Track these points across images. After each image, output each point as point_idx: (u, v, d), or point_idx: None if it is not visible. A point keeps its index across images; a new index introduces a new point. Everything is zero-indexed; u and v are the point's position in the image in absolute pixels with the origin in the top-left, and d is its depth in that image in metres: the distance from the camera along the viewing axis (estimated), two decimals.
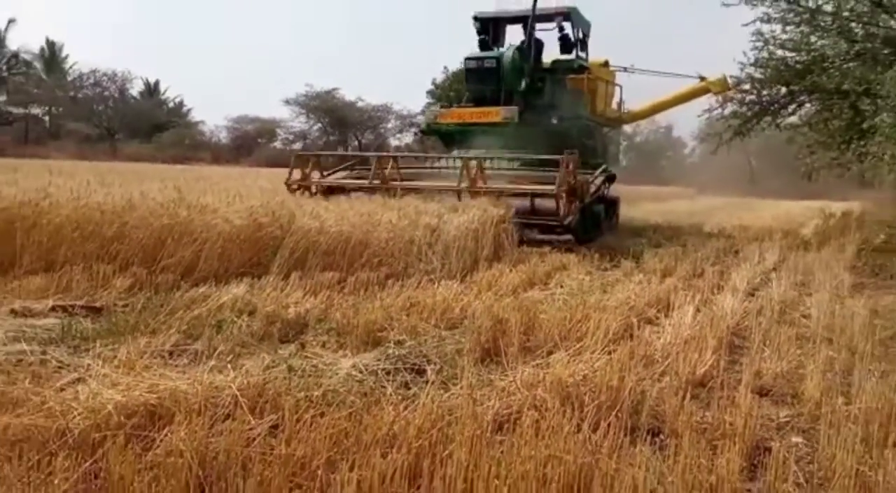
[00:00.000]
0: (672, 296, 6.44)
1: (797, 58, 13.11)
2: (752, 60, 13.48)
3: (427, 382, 3.96)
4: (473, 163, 10.22)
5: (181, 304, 5.34)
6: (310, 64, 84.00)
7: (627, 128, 61.01)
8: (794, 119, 14.37)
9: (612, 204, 12.51)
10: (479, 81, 12.47)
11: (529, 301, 6.00)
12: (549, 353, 4.49)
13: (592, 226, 10.64)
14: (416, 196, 9.63)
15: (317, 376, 3.99)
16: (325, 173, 12.04)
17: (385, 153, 12.84)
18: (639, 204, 23.14)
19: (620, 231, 13.31)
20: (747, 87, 13.89)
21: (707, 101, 14.86)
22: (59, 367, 3.94)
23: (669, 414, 3.61)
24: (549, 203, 9.66)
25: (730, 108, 14.25)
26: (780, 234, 13.07)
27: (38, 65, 47.70)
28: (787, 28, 12.94)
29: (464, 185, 9.82)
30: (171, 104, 52.49)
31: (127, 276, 6.08)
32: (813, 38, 12.93)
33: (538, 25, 12.85)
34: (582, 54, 13.46)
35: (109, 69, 48.19)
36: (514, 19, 13.16)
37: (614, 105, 14.69)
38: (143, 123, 45.80)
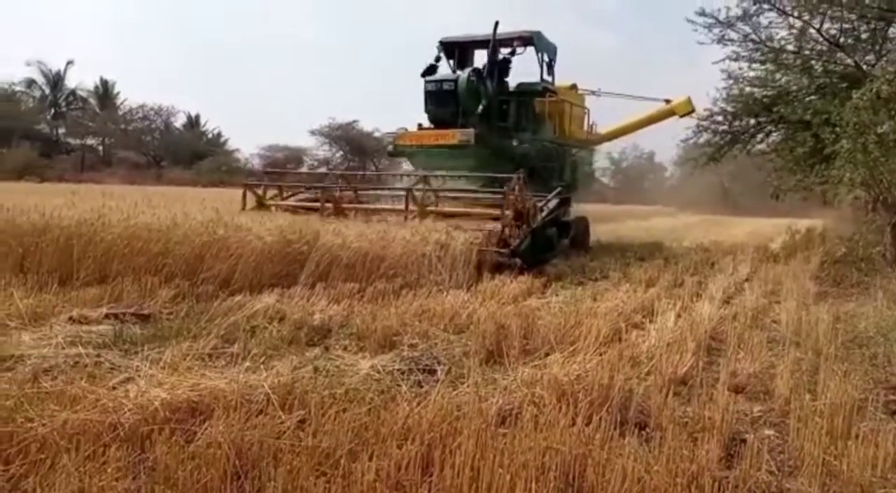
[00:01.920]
0: (656, 303, 6.42)
1: (764, 92, 13.13)
2: (723, 95, 13.54)
3: (437, 381, 3.95)
4: (420, 185, 9.50)
5: (219, 311, 5.35)
6: (333, 100, 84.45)
7: (615, 153, 61.39)
8: (762, 146, 14.32)
9: (565, 227, 10.97)
10: (437, 104, 11.39)
11: (528, 308, 5.99)
12: (547, 355, 4.48)
13: (544, 250, 9.36)
14: (363, 217, 8.95)
15: (339, 376, 3.99)
16: (284, 195, 10.76)
17: (345, 172, 12.15)
18: (625, 222, 23.12)
19: (608, 246, 13.27)
20: (720, 118, 13.90)
21: (685, 131, 14.68)
22: (112, 368, 3.95)
23: (654, 409, 3.59)
24: (497, 226, 8.60)
25: (704, 136, 14.24)
26: (752, 248, 13.00)
27: (93, 101, 48.09)
28: (754, 65, 13.00)
29: (411, 208, 8.97)
30: (209, 135, 52.71)
31: (171, 287, 6.09)
32: (778, 75, 12.97)
33: (503, 50, 11.89)
34: (548, 78, 12.55)
35: (156, 104, 48.55)
36: (480, 44, 11.97)
37: (583, 127, 13.71)
38: (185, 152, 46.03)
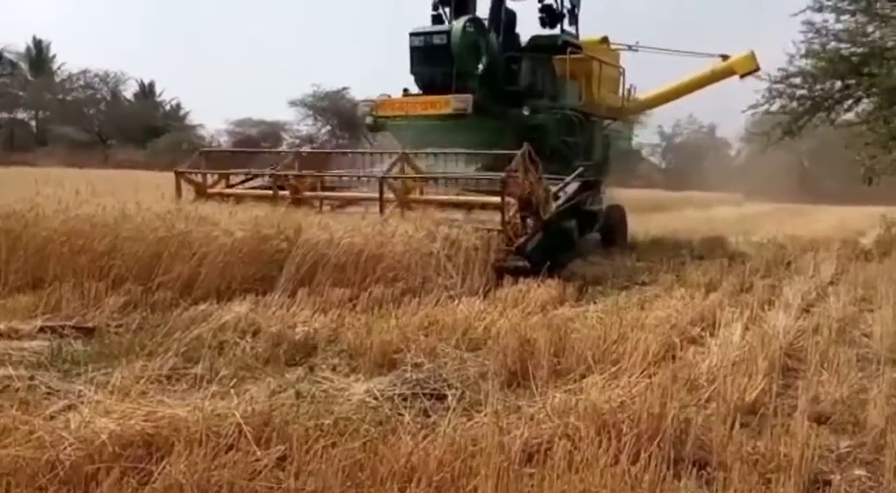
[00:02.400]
0: (718, 313, 6.40)
1: (853, 50, 12.99)
2: (802, 51, 13.38)
3: (448, 409, 3.95)
4: (398, 168, 9.07)
5: (179, 324, 5.38)
6: (318, 63, 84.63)
7: (666, 126, 61.40)
8: (850, 116, 14.20)
9: (590, 218, 10.61)
10: (425, 63, 10.94)
11: (560, 319, 5.99)
12: (583, 376, 4.47)
13: (560, 248, 8.85)
14: (330, 209, 8.85)
15: (327, 403, 4.00)
16: (230, 182, 10.36)
17: (308, 150, 11.83)
18: (679, 211, 23.08)
19: (658, 241, 13.24)
20: (798, 80, 13.73)
21: (753, 97, 14.55)
22: (49, 393, 3.98)
23: (717, 444, 3.58)
24: (497, 217, 8.28)
25: (778, 103, 14.07)
26: (838, 244, 12.95)
27: (23, 65, 48.42)
28: (842, 17, 12.87)
29: (389, 197, 8.63)
30: (167, 107, 53.04)
31: (121, 293, 6.13)
32: (870, 29, 12.85)
33: None
34: (570, 29, 12.20)
35: (101, 70, 48.77)
36: None
37: (617, 92, 13.27)
38: (136, 128, 46.28)
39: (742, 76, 13.82)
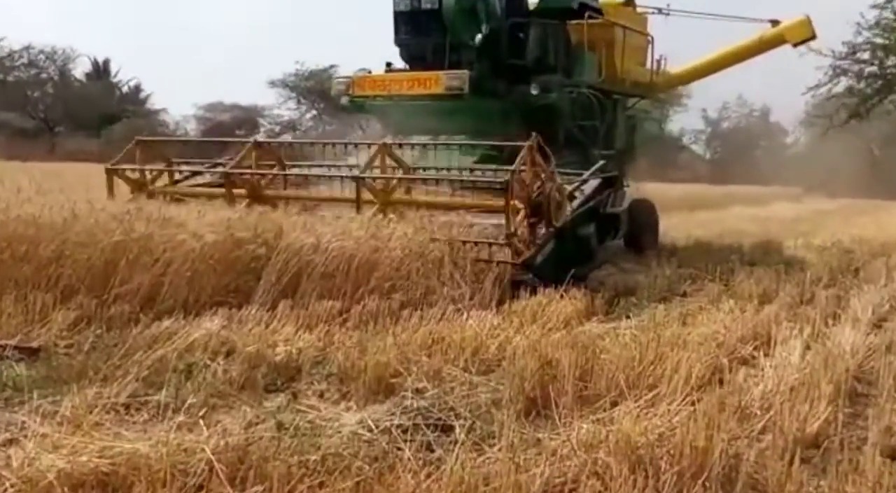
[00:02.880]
0: (773, 328, 6.38)
1: None
2: (871, 22, 13.40)
3: (455, 442, 3.95)
4: (378, 163, 8.79)
5: (140, 343, 5.38)
6: (302, 37, 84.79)
7: (711, 109, 61.31)
8: None
9: (612, 221, 10.40)
10: (413, 32, 10.63)
11: (587, 337, 5.98)
12: (614, 404, 4.47)
13: (578, 258, 8.64)
14: (297, 211, 8.43)
15: (314, 436, 4.00)
16: (176, 178, 10.12)
17: (266, 140, 11.13)
18: (727, 208, 23.05)
19: (703, 244, 13.21)
20: (866, 56, 13.79)
21: (814, 75, 14.55)
22: None
23: (773, 484, 3.57)
24: (490, 223, 8.13)
25: (843, 83, 14.13)
26: None
27: None
28: None
29: (368, 197, 8.33)
30: (124, 89, 53.12)
31: (71, 307, 6.13)
32: None
33: None
34: None
35: (47, 45, 48.83)
36: None
37: (645, 64, 13.05)
38: (89, 113, 46.35)
39: (795, 45, 13.89)
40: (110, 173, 9.64)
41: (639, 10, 13.13)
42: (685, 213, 20.18)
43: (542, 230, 8.18)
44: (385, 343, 5.48)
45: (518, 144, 8.18)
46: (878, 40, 13.56)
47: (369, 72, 11.18)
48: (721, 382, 5.00)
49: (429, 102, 10.36)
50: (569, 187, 8.75)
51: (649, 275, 9.37)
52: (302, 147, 11.23)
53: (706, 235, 14.57)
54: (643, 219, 12.20)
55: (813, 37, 13.87)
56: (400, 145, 9.27)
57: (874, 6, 13.23)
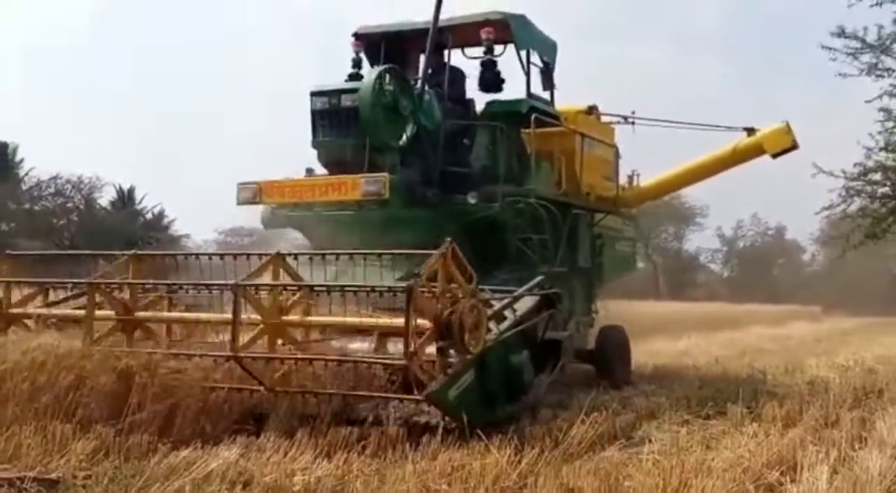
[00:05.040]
0: (799, 453, 6.27)
1: None
2: (881, 144, 13.51)
3: None
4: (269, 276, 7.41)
5: (158, 474, 5.33)
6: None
7: (726, 227, 61.77)
8: None
9: (552, 349, 8.29)
10: (332, 133, 9.57)
11: (609, 463, 5.90)
12: None
13: (506, 393, 7.39)
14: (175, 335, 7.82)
15: None
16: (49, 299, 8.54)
17: (149, 253, 9.85)
18: (747, 328, 22.94)
19: (724, 363, 13.07)
20: (878, 177, 13.85)
21: (828, 196, 14.46)
22: None
23: None
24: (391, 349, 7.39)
25: (857, 203, 14.14)
26: None
27: None
28: None
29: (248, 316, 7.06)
30: (148, 215, 53.84)
31: (90, 438, 6.09)
32: None
33: (464, 50, 10.91)
34: (543, 95, 11.10)
35: (73, 175, 49.59)
36: (425, 35, 9.86)
37: (612, 177, 12.29)
38: (113, 239, 46.70)
39: (775, 156, 12.75)
40: None
41: (603, 119, 12.43)
42: (705, 332, 20.09)
43: (455, 357, 6.76)
44: (404, 471, 5.41)
45: (426, 252, 7.03)
46: (890, 161, 13.65)
47: (280, 179, 9.88)
48: None
49: (352, 213, 9.56)
50: (496, 305, 7.60)
51: (671, 397, 9.26)
52: (209, 260, 8.12)
53: (727, 354, 14.46)
54: (613, 346, 11.21)
55: (793, 147, 12.69)
56: (296, 256, 7.96)
57: (881, 132, 13.33)
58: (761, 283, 50.73)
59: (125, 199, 53.69)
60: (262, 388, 6.92)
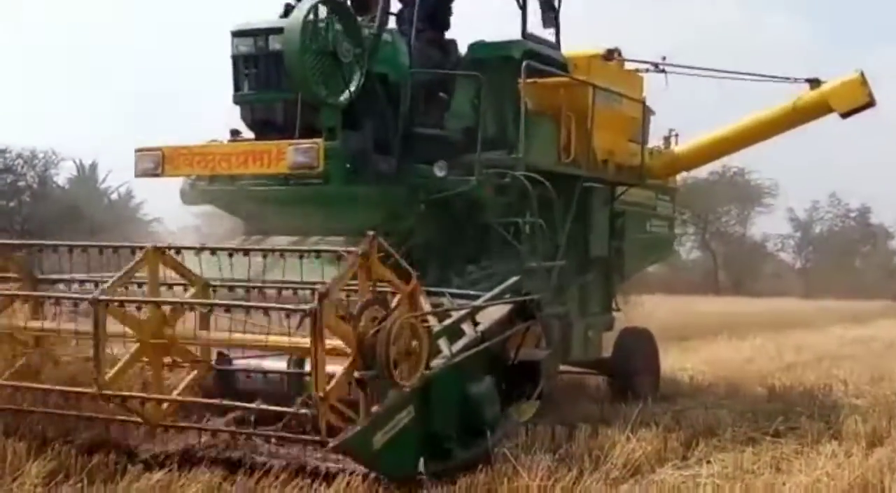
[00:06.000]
0: (887, 477, 6.27)
1: None
2: None
3: None
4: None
5: None
6: None
7: (800, 209, 61.41)
8: None
9: (528, 373, 7.45)
10: (259, 84, 8.86)
11: (659, 489, 5.93)
12: None
13: (461, 435, 6.60)
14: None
15: None
16: None
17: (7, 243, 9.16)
18: (825, 329, 22.84)
19: (796, 371, 13.02)
20: None
21: None
22: None
23: None
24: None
25: None
26: None
27: None
28: None
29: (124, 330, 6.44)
30: (114, 195, 53.82)
31: (47, 458, 6.12)
32: None
33: None
34: (546, 34, 10.46)
35: (26, 149, 49.46)
36: None
37: (638, 139, 11.49)
38: (74, 225, 46.96)
39: (845, 115, 11.89)
40: None
41: (626, 63, 11.60)
42: (772, 333, 20.01)
43: (377, 391, 5.91)
44: None
45: (342, 251, 6.41)
46: None
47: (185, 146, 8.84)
48: None
49: (283, 189, 8.91)
50: (450, 319, 6.83)
51: (733, 411, 9.24)
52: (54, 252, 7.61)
53: (801, 360, 14.43)
54: (636, 356, 10.73)
55: (869, 104, 11.80)
56: (178, 250, 7.04)
57: None
58: (841, 275, 50.42)
59: (84, 174, 53.48)
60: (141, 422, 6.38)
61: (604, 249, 10.74)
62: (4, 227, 47.25)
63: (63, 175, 52.52)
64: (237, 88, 8.91)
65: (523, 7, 10.13)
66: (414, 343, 5.96)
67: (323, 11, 8.24)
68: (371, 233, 6.11)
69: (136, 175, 8.92)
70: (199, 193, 9.45)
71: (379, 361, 5.65)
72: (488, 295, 7.26)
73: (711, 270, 54.70)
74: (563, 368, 9.84)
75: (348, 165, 8.52)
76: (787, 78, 11.92)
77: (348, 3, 8.83)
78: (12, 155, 48.60)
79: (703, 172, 46.59)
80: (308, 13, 8.04)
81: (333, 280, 5.88)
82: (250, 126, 9.12)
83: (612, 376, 10.52)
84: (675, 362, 13.24)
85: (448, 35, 10.10)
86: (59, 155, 51.35)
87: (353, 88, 8.40)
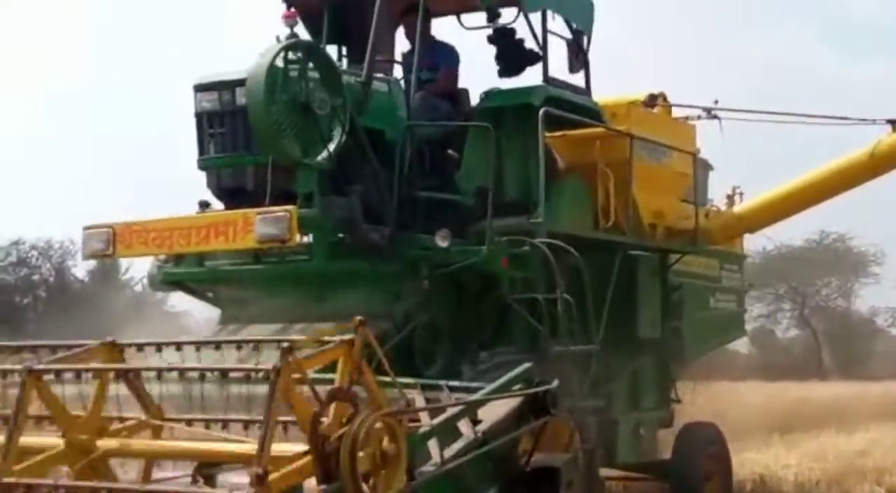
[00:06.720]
0: None
1: None
2: None
3: None
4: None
5: None
6: None
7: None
8: None
9: (545, 480, 6.36)
10: (225, 145, 8.49)
11: None
12: None
13: None
14: None
15: None
16: None
17: None
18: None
19: None
20: None
21: None
22: None
23: None
24: None
25: None
26: None
27: None
28: None
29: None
30: (136, 287, 53.95)
31: None
32: None
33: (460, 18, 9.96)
34: (574, 81, 10.16)
35: (41, 239, 49.38)
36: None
37: (690, 197, 10.97)
38: (94, 323, 46.99)
39: None
40: None
41: (675, 112, 11.36)
42: (890, 423, 19.69)
43: None
44: None
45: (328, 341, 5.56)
46: None
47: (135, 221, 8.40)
48: None
49: (264, 268, 8.64)
50: (445, 414, 5.94)
51: None
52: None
53: None
54: (700, 456, 10.24)
55: None
56: (141, 347, 6.23)
57: None
58: None
59: (106, 266, 53.74)
60: None
61: (656, 329, 10.33)
62: (17, 326, 47.59)
63: (82, 267, 52.81)
64: (202, 150, 8.60)
65: (543, 47, 9.76)
66: (392, 448, 5.21)
67: (288, 55, 7.97)
68: (359, 318, 5.35)
69: (84, 257, 8.86)
70: (165, 277, 9.19)
71: (343, 473, 4.90)
72: (490, 387, 6.38)
73: (813, 349, 53.83)
74: (608, 472, 9.61)
75: (334, 238, 8.32)
76: (865, 119, 11.56)
77: (326, 47, 8.73)
78: (26, 246, 48.74)
79: (797, 239, 46.58)
80: (274, 58, 7.77)
81: (307, 356, 5.20)
82: (217, 195, 8.81)
83: (671, 481, 10.14)
84: (776, 457, 13.16)
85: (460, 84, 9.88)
86: (77, 245, 51.65)
87: (332, 146, 8.03)
